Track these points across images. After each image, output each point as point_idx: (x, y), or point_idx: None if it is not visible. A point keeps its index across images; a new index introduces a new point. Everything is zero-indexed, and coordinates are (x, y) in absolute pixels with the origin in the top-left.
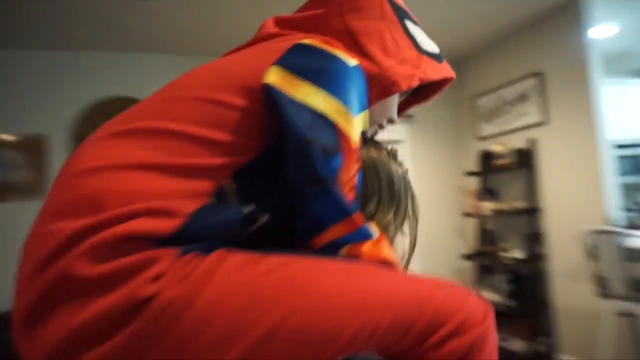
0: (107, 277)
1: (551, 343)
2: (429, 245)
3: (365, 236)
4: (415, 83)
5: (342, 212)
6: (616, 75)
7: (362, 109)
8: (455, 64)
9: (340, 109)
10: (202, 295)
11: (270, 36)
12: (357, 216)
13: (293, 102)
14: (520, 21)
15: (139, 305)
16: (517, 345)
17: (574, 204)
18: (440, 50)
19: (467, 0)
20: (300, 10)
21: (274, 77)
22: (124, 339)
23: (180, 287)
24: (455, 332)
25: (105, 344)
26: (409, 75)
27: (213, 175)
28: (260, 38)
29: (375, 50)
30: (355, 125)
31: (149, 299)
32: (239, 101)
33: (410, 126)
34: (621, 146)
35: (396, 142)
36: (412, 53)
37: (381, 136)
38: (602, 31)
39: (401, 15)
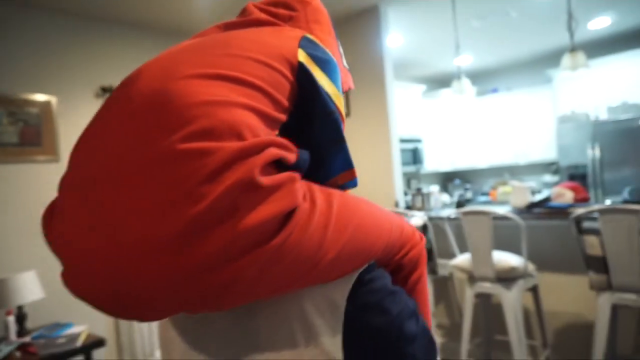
0: (273, 187)
1: None
2: None
3: (356, 183)
4: (351, 88)
5: (349, 164)
6: (401, 80)
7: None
8: None
9: (337, 92)
10: (327, 210)
11: (264, 22)
12: (354, 169)
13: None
14: (330, 15)
15: (290, 213)
16: None
17: (371, 189)
18: None
19: None
20: (270, 4)
21: (303, 58)
22: (280, 240)
23: (308, 203)
24: (413, 246)
25: (262, 247)
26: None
27: (277, 128)
28: (256, 20)
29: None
30: (343, 105)
31: (297, 208)
32: (285, 70)
33: None
34: (402, 140)
35: None
36: (344, 66)
37: None
38: (393, 39)
39: (336, 35)
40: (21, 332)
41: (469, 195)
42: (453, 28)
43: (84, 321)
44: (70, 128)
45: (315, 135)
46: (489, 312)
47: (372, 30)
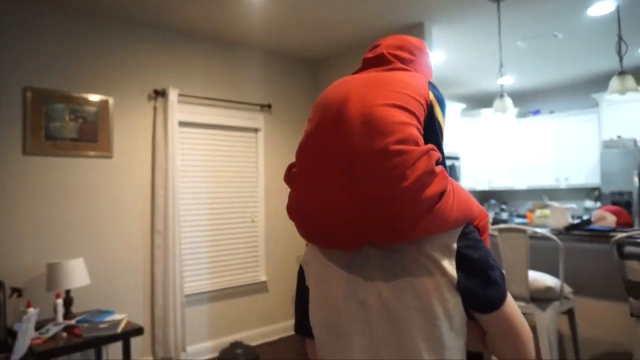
0: (438, 174)
1: None
2: (276, 232)
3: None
4: None
5: (443, 154)
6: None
7: None
8: (312, 64)
9: (443, 121)
10: (452, 190)
11: (393, 64)
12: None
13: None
14: (377, 31)
15: (444, 190)
16: None
17: None
18: (299, 52)
19: (335, 4)
20: (397, 48)
21: (432, 98)
22: (439, 206)
23: (449, 185)
24: (482, 218)
25: (432, 209)
26: None
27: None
28: (388, 63)
29: None
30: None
31: (446, 188)
32: (424, 104)
33: (267, 116)
34: None
35: (252, 130)
36: None
37: (238, 123)
38: (435, 57)
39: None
40: (67, 314)
41: (504, 216)
42: (497, 48)
43: (124, 310)
44: (124, 127)
45: (427, 143)
46: None
47: None
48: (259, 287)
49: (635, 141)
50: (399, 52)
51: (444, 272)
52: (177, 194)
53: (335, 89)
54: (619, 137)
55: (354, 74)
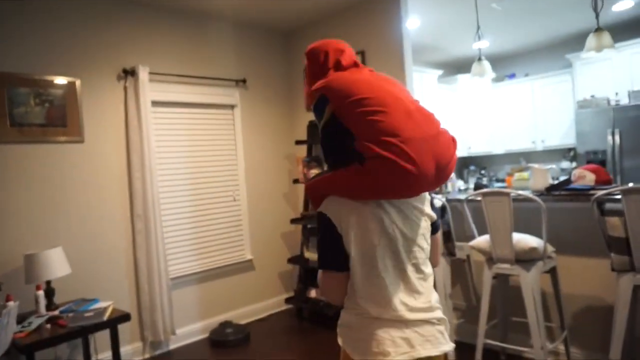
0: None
1: None
2: (259, 210)
3: None
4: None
5: None
6: (416, 64)
7: None
8: (286, 35)
9: None
10: None
11: (374, 72)
12: None
13: None
14: (347, 2)
15: None
16: None
17: None
18: (272, 23)
19: None
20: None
21: None
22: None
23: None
24: None
25: (453, 167)
26: None
27: None
28: (372, 72)
29: None
30: None
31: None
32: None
33: (242, 91)
34: None
35: (229, 106)
36: None
37: (213, 100)
38: (410, 22)
39: None
40: (50, 306)
41: (484, 181)
42: (472, 10)
43: (108, 297)
44: (94, 109)
45: None
46: (506, 293)
47: (392, 13)
48: (246, 266)
49: (608, 100)
50: (358, 61)
51: (427, 214)
52: (155, 176)
53: (374, 77)
54: (592, 96)
55: (355, 68)
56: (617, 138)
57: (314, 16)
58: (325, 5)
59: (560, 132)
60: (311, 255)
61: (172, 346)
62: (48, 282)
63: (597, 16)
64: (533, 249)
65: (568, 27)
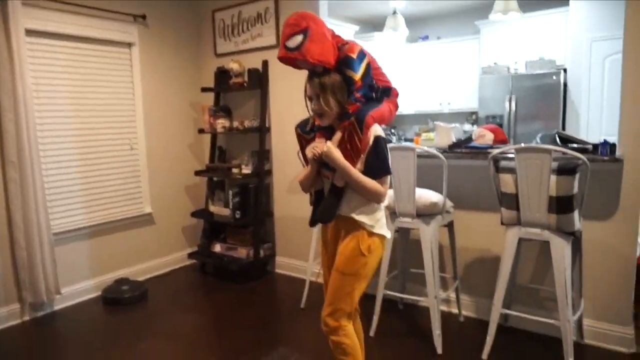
0: None
1: (272, 248)
2: (160, 160)
3: None
4: None
5: None
6: (333, 18)
7: None
8: None
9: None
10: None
11: None
12: None
13: None
14: None
15: None
16: (243, 252)
17: (293, 124)
18: None
19: None
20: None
21: None
22: None
23: None
24: None
25: None
26: None
27: None
28: None
29: None
30: None
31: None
32: None
33: (141, 28)
34: None
35: (125, 44)
36: None
37: (107, 35)
38: None
39: None
40: None
41: (394, 140)
42: None
43: None
44: None
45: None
46: (406, 246)
47: None
48: (145, 220)
49: (508, 68)
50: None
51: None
52: (32, 118)
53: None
54: (495, 64)
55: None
56: (513, 104)
57: None
58: None
59: (465, 96)
60: (217, 209)
61: (58, 307)
62: None
63: None
64: (434, 204)
65: None
